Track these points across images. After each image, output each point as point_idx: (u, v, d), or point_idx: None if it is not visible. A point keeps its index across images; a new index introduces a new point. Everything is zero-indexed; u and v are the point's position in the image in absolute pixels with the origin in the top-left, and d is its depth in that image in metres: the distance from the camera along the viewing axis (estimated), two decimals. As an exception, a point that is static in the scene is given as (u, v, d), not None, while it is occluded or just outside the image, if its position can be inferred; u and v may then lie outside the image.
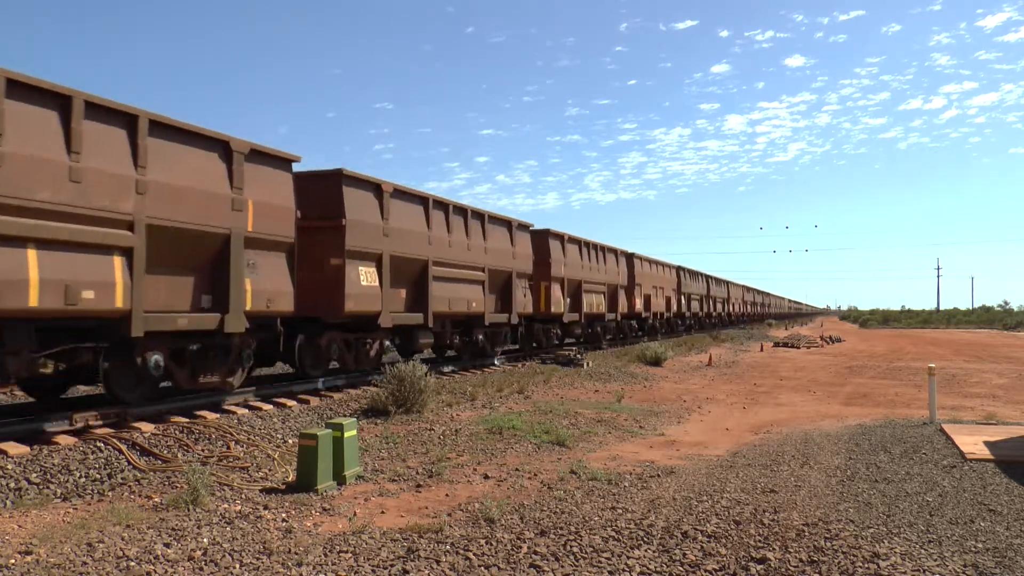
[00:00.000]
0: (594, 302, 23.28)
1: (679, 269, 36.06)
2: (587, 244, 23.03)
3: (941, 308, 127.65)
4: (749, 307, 66.69)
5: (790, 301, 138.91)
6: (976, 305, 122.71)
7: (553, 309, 19.62)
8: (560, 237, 20.74)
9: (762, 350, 30.63)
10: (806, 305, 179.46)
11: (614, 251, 25.94)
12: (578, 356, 18.48)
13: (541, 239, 19.68)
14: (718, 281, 49.28)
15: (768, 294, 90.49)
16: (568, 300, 20.90)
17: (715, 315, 47.64)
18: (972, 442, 8.90)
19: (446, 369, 14.99)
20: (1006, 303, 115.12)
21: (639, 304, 28.36)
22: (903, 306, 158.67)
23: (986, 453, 8.27)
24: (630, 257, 27.89)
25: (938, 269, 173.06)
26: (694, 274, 40.65)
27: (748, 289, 68.55)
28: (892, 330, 68.87)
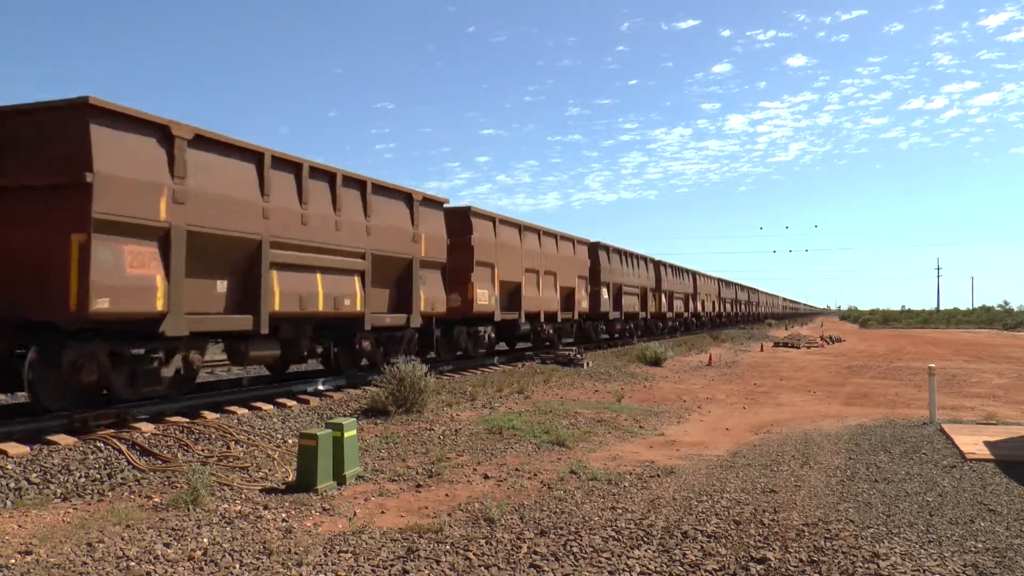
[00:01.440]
0: (318, 292, 10.46)
1: (596, 246, 23.55)
2: (324, 173, 10.60)
3: (941, 308, 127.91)
4: (729, 306, 53.31)
5: (785, 300, 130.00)
6: (976, 305, 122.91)
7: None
8: (216, 144, 8.70)
9: (762, 350, 30.65)
10: (804, 304, 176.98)
11: (433, 203, 13.73)
12: (578, 356, 18.49)
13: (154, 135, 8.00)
14: (677, 270, 35.55)
15: (759, 291, 77.41)
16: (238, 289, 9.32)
17: (671, 316, 34.14)
18: (972, 442, 8.91)
19: (446, 369, 15.00)
20: (1006, 303, 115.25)
21: (485, 298, 15.54)
22: (903, 306, 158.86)
23: (986, 453, 8.28)
24: (464, 214, 15.22)
25: (938, 269, 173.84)
26: (630, 257, 27.19)
27: (727, 284, 54.09)
28: (892, 330, 68.92)
